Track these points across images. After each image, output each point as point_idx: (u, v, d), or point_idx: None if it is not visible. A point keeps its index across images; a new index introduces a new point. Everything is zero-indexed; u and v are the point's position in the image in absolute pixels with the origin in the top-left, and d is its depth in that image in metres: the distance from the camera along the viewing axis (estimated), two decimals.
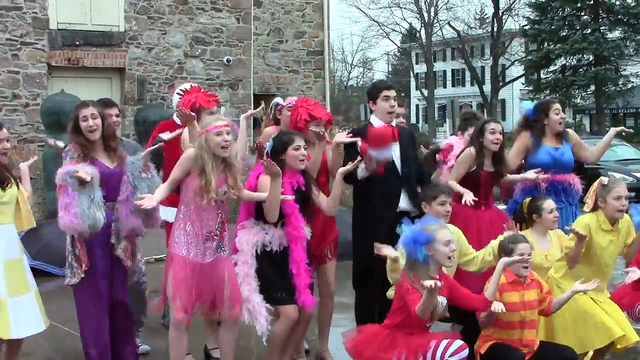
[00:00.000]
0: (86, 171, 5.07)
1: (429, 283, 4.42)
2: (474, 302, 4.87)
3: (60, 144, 5.83)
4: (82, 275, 5.20)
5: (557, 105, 6.50)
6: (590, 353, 5.43)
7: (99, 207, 5.11)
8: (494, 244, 5.37)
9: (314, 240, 5.53)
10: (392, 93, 5.90)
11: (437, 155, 6.59)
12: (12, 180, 5.30)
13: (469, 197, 5.79)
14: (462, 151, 6.22)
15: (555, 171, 6.35)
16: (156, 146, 5.55)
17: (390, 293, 5.10)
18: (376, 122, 5.84)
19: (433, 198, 5.46)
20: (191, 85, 6.20)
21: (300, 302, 5.22)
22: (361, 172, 5.63)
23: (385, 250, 4.99)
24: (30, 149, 13.08)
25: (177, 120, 6.18)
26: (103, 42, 15.00)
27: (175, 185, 5.00)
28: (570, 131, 6.70)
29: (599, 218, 5.46)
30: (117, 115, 5.96)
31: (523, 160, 6.54)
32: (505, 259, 4.93)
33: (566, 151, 6.48)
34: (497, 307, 4.80)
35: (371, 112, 5.96)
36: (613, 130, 6.69)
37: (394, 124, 5.93)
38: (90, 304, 5.27)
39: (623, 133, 6.72)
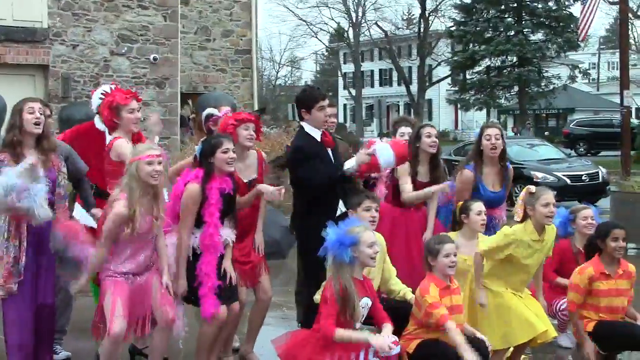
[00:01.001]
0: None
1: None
2: (383, 318, 4.90)
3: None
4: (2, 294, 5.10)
5: (489, 130, 6.32)
6: (511, 348, 5.57)
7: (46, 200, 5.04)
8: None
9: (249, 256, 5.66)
10: (327, 102, 5.90)
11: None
12: None
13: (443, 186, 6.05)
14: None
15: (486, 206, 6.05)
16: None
17: (317, 297, 5.13)
18: (310, 129, 5.75)
19: (358, 204, 5.47)
20: (111, 88, 6.04)
21: (203, 313, 5.21)
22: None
23: None
24: None
25: (98, 125, 6.07)
26: (25, 38, 14.63)
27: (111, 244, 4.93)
28: (511, 174, 6.47)
29: (526, 229, 5.49)
30: (49, 116, 5.83)
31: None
32: None
33: (502, 194, 6.38)
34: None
35: (302, 118, 5.86)
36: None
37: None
38: (14, 307, 5.13)
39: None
